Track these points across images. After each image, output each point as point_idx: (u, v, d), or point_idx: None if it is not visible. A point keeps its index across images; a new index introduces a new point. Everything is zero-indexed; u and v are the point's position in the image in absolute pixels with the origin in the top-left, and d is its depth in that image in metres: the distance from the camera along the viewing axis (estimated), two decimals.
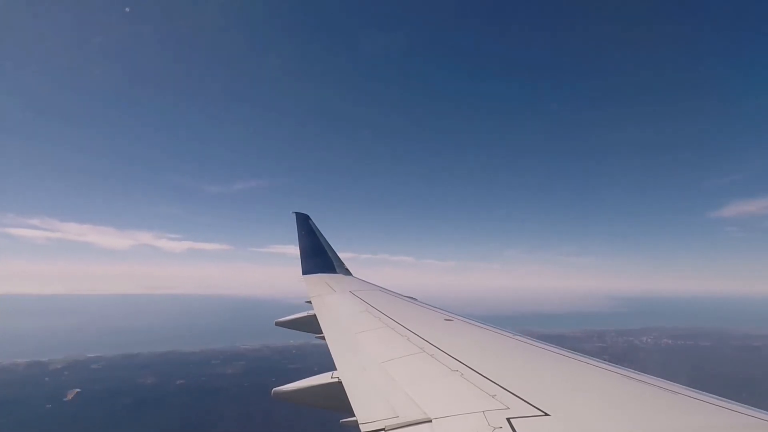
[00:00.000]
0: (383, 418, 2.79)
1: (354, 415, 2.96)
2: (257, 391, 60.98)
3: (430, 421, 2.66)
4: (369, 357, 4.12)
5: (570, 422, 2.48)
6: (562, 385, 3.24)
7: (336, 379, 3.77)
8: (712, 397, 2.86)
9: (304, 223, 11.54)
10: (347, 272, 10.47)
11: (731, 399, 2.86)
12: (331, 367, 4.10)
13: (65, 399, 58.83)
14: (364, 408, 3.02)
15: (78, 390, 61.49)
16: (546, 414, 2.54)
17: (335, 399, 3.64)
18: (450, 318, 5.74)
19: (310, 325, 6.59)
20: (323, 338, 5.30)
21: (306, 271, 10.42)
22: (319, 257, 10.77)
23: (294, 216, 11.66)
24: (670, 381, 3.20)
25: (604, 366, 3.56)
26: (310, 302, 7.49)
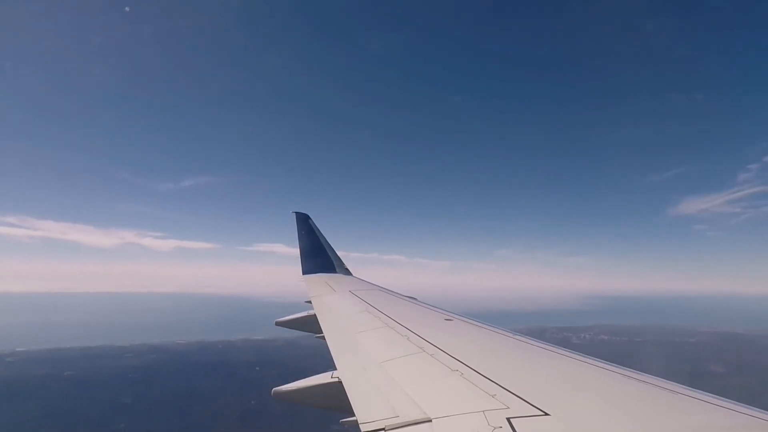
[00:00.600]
0: (383, 417, 2.79)
1: (354, 415, 2.96)
2: (151, 383, 63.22)
3: (430, 420, 2.66)
4: (369, 357, 4.12)
5: (570, 422, 2.48)
6: (562, 385, 3.23)
7: (336, 379, 3.77)
8: (712, 397, 2.86)
9: (304, 222, 11.52)
10: (347, 272, 10.47)
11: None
12: (331, 366, 4.10)
13: None
14: (364, 408, 3.02)
15: None
16: (546, 414, 2.54)
17: (335, 399, 3.64)
18: (450, 318, 5.74)
19: (310, 324, 6.59)
20: (323, 338, 5.30)
21: (306, 271, 10.41)
22: (319, 257, 10.76)
23: (294, 216, 11.65)
24: (671, 381, 3.20)
25: (604, 366, 3.56)
26: (310, 302, 7.49)
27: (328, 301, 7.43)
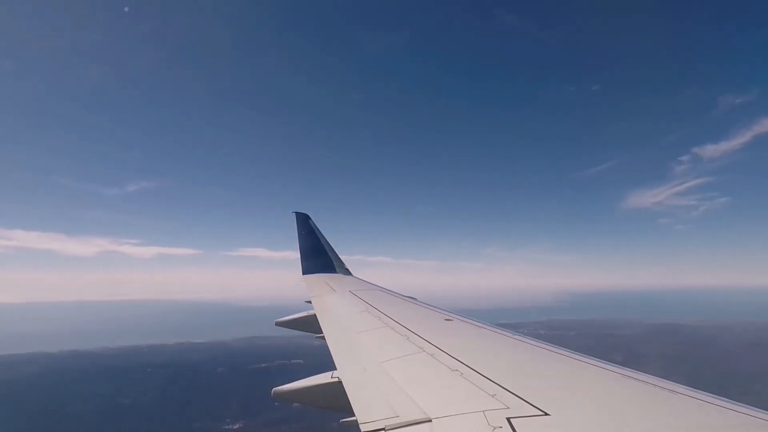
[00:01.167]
0: (383, 417, 2.79)
1: (354, 415, 2.96)
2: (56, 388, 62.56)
3: (430, 420, 2.66)
4: (369, 357, 4.13)
5: (570, 422, 2.48)
6: (562, 385, 3.23)
7: (336, 379, 3.77)
8: (712, 397, 2.86)
9: (304, 222, 11.53)
10: (347, 272, 10.47)
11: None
12: (331, 366, 4.10)
13: None
14: (364, 408, 3.02)
15: None
16: (546, 414, 2.54)
17: (335, 399, 3.64)
18: (450, 318, 5.75)
19: (311, 324, 6.59)
20: (323, 338, 5.30)
21: (306, 271, 10.42)
22: (319, 257, 10.76)
23: (289, 216, 11.65)
24: (671, 381, 3.20)
25: (604, 366, 3.56)
26: (310, 302, 7.50)
27: (328, 301, 7.44)
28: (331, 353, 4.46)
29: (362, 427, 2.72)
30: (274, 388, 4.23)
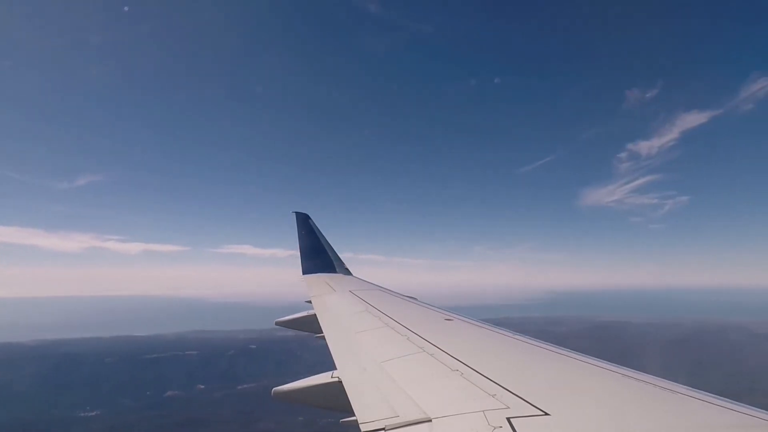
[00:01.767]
0: (383, 417, 2.79)
1: (354, 415, 2.96)
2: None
3: (430, 420, 2.66)
4: (369, 357, 4.12)
5: (570, 422, 2.48)
6: (562, 385, 3.23)
7: (336, 379, 3.77)
8: (712, 397, 2.86)
9: (304, 222, 11.52)
10: (347, 272, 10.47)
11: None
12: (331, 366, 4.09)
13: None
14: (364, 407, 3.02)
15: None
16: (546, 414, 2.54)
17: (335, 399, 3.63)
18: (450, 318, 5.75)
19: (311, 324, 6.59)
20: (323, 338, 5.30)
21: (306, 271, 10.41)
22: (319, 257, 10.76)
23: (292, 216, 11.64)
24: (671, 381, 3.20)
25: (604, 366, 3.56)
26: (310, 302, 7.50)
27: (328, 300, 7.43)
28: (331, 353, 4.46)
29: (362, 427, 2.72)
30: (274, 389, 4.22)
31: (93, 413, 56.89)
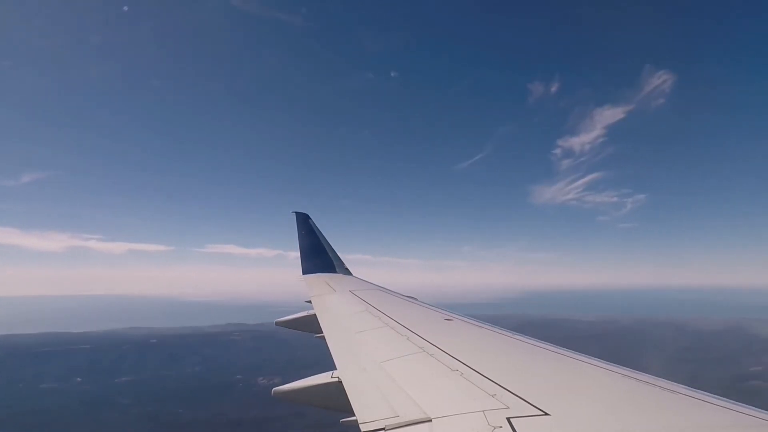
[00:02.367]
0: (383, 417, 2.78)
1: (354, 415, 2.96)
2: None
3: (430, 420, 2.66)
4: (369, 356, 4.12)
5: (570, 422, 2.48)
6: (562, 385, 3.24)
7: (336, 379, 3.77)
8: (712, 397, 2.86)
9: (304, 222, 11.52)
10: (347, 272, 10.46)
11: None
12: (331, 366, 4.09)
13: None
14: (364, 407, 3.02)
15: None
16: (546, 414, 2.54)
17: (335, 399, 3.63)
18: (450, 318, 5.75)
19: (311, 324, 6.59)
20: (323, 338, 5.30)
21: (306, 271, 10.41)
22: (318, 257, 10.75)
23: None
24: (671, 381, 3.20)
25: (604, 366, 3.56)
26: (310, 302, 7.49)
27: (328, 300, 7.43)
28: (331, 353, 4.45)
29: (362, 427, 2.72)
30: (274, 389, 4.22)
31: None
